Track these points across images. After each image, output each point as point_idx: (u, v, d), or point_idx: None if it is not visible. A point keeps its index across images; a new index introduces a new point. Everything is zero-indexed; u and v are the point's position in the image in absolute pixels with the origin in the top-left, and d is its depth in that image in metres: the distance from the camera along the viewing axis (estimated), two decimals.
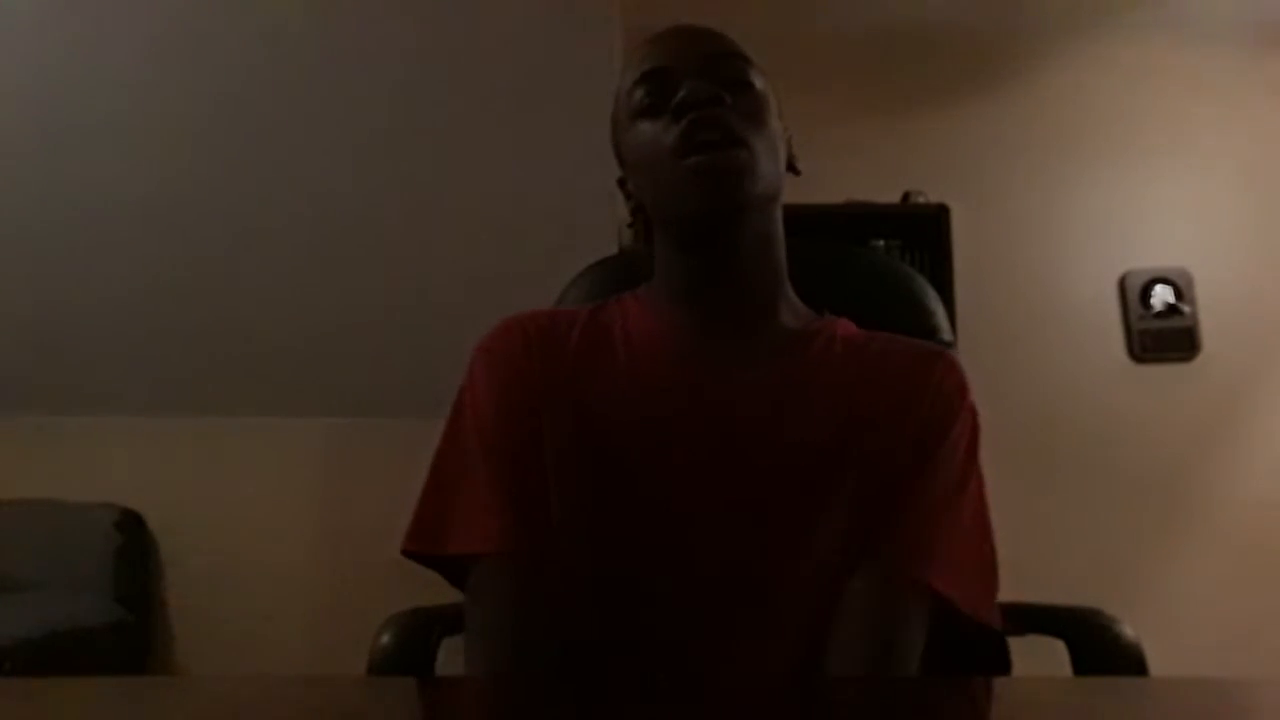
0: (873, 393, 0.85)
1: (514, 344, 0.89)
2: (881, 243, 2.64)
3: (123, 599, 2.70)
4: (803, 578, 0.80)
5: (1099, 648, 0.95)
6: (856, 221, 2.62)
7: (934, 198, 2.65)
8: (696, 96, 0.82)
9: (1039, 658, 0.97)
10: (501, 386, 0.87)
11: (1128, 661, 0.91)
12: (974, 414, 0.87)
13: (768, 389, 0.85)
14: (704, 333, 0.88)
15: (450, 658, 0.93)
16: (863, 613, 0.78)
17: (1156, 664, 0.91)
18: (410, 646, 0.94)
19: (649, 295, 0.93)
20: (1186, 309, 2.85)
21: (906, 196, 2.71)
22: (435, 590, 0.92)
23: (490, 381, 0.88)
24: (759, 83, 0.88)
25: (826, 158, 2.86)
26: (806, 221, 2.41)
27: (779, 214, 0.90)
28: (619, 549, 0.83)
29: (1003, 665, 0.92)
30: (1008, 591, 0.91)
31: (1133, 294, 2.87)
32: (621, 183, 0.95)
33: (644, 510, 0.83)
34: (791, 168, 0.93)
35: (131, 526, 2.82)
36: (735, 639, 0.80)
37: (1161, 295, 2.86)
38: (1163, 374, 2.85)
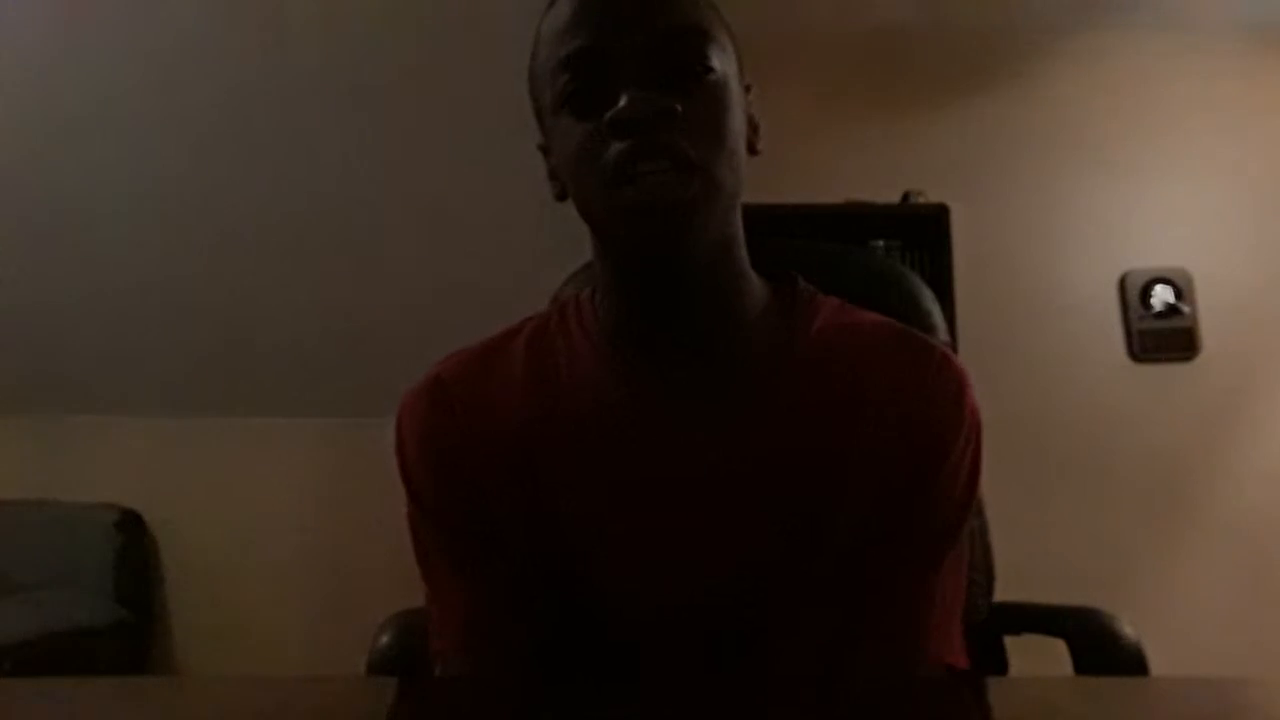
0: (860, 411, 0.74)
1: (443, 409, 0.79)
2: (881, 243, 2.63)
3: (123, 599, 2.71)
4: (791, 635, 0.74)
5: (1099, 647, 0.95)
6: (856, 221, 2.61)
7: (934, 198, 2.65)
8: (639, 113, 0.65)
9: (1039, 658, 0.97)
10: (437, 460, 0.78)
11: (1128, 661, 0.91)
12: (976, 422, 0.76)
13: (739, 433, 0.74)
14: (659, 367, 0.76)
15: None
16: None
17: (1156, 664, 0.91)
18: (410, 646, 0.94)
19: (591, 316, 0.80)
20: (1186, 309, 2.85)
21: (906, 196, 2.71)
22: None
23: (424, 457, 0.78)
24: (719, 62, 0.71)
25: (826, 158, 2.87)
26: (806, 221, 2.43)
27: (737, 213, 0.76)
28: (580, 620, 0.76)
29: (1000, 667, 0.92)
30: (1008, 591, 0.91)
31: (1133, 294, 2.87)
32: (544, 151, 0.79)
33: (603, 569, 0.75)
34: (752, 149, 0.75)
35: (131, 526, 2.83)
36: (716, 685, 0.74)
37: (1161, 295, 2.85)
38: (1163, 374, 2.85)
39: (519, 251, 2.53)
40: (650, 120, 0.66)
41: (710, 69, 0.70)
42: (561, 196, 0.77)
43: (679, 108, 0.67)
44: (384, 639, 0.95)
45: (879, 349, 0.77)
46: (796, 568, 0.74)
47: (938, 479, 0.73)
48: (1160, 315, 2.85)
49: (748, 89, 0.77)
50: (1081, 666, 0.94)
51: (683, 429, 0.75)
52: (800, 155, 2.73)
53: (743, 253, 0.78)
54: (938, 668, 0.73)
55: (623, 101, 0.66)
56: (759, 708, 0.60)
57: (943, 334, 1.09)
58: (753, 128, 0.76)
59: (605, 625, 0.76)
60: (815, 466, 0.73)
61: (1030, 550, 2.43)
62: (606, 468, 0.75)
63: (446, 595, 0.78)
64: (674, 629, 0.75)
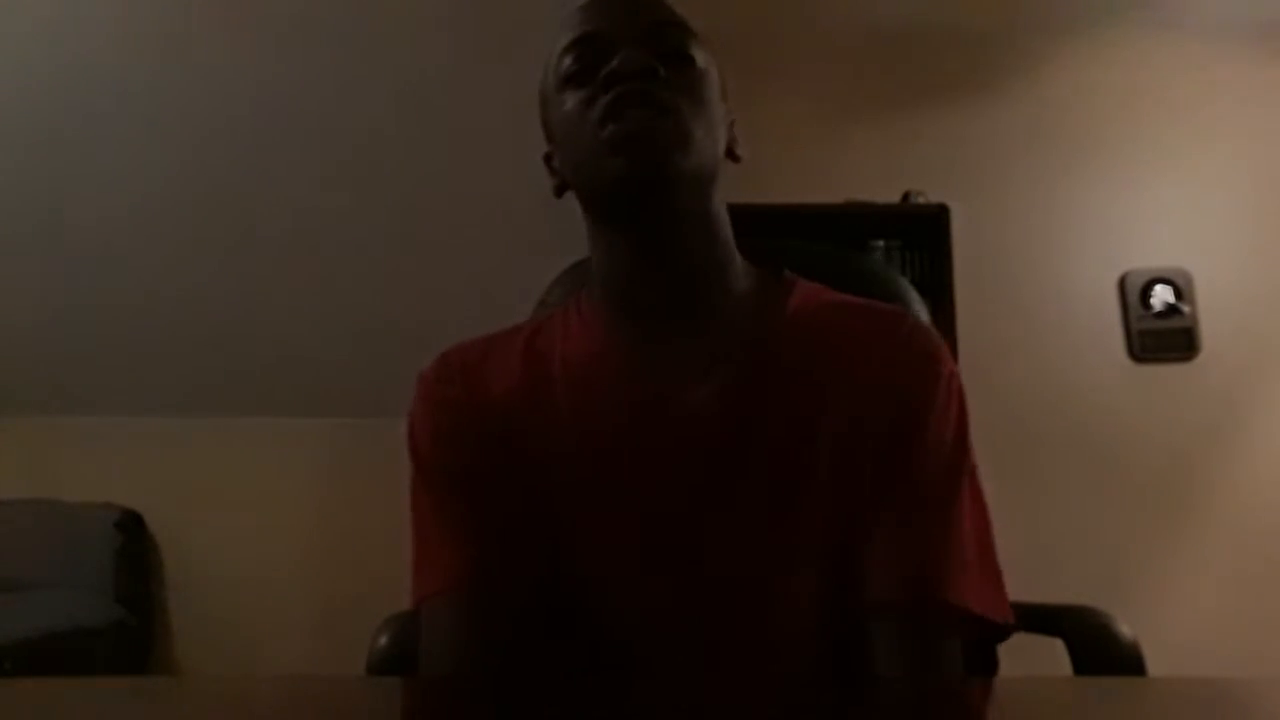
0: (836, 381, 0.78)
1: (447, 381, 0.85)
2: (881, 243, 2.63)
3: (123, 599, 2.71)
4: (785, 596, 0.76)
5: (1098, 647, 0.95)
6: (856, 221, 2.62)
7: (934, 198, 2.65)
8: (627, 67, 0.75)
9: (1039, 658, 0.97)
10: (438, 424, 0.83)
11: (1126, 661, 0.92)
12: (956, 382, 0.79)
13: (720, 406, 0.78)
14: (646, 342, 0.81)
15: None
16: (900, 655, 0.73)
17: (1156, 664, 0.91)
18: (410, 647, 0.94)
19: (588, 304, 0.87)
20: (1186, 309, 2.85)
21: (906, 196, 2.71)
22: None
23: (427, 422, 0.84)
24: (700, 58, 0.80)
25: (826, 158, 2.88)
26: (806, 221, 2.43)
27: (716, 195, 0.82)
28: (570, 586, 0.78)
29: (991, 664, 0.92)
30: (1007, 590, 0.91)
31: (1133, 294, 2.87)
32: (548, 158, 0.87)
33: (594, 547, 0.78)
34: (731, 154, 0.84)
35: (131, 526, 2.83)
36: (714, 670, 0.76)
37: (1161, 295, 2.86)
38: (1163, 374, 2.85)
39: (519, 254, 2.53)
40: (638, 74, 0.75)
41: (693, 59, 0.80)
42: (560, 190, 0.84)
43: (663, 71, 0.76)
44: (384, 639, 0.95)
45: (853, 318, 0.83)
46: (781, 529, 0.76)
47: (925, 432, 0.76)
48: (1160, 315, 2.85)
49: (731, 123, 0.86)
50: (1080, 666, 0.94)
51: (669, 394, 0.79)
52: (800, 155, 2.73)
53: (727, 236, 0.83)
54: (952, 612, 0.73)
55: (614, 61, 0.76)
56: (755, 706, 0.60)
57: None
58: (732, 137, 0.85)
59: (588, 593, 0.78)
60: (799, 431, 0.77)
61: (1029, 549, 2.43)
62: (593, 431, 0.79)
63: (436, 549, 0.80)
64: (657, 593, 0.76)
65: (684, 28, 0.81)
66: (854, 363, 0.79)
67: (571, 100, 0.79)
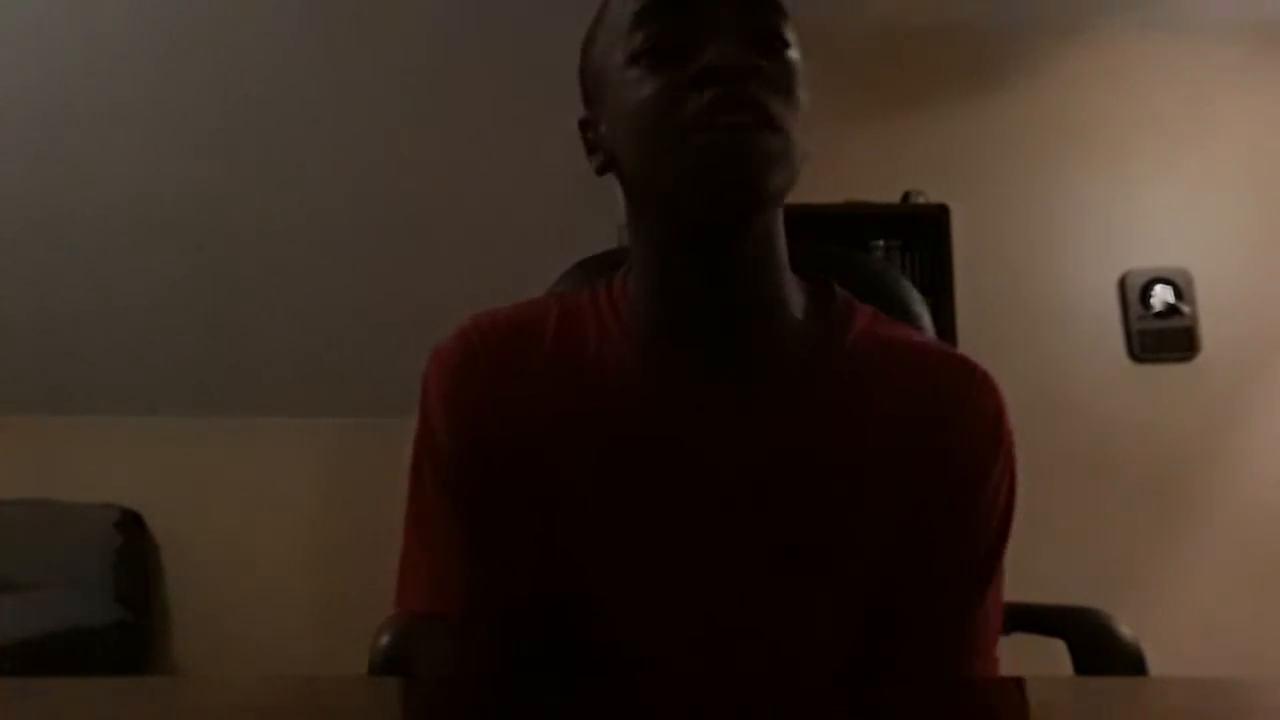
0: (892, 438, 0.70)
1: (469, 370, 0.76)
2: (881, 243, 2.64)
3: (123, 599, 2.71)
4: (798, 651, 0.71)
5: (1099, 647, 0.95)
6: (856, 221, 2.62)
7: (934, 198, 2.65)
8: (727, 64, 0.63)
9: (1039, 658, 0.97)
10: (460, 421, 0.75)
11: (1127, 661, 0.92)
12: (1012, 446, 0.72)
13: (760, 456, 0.70)
14: (689, 378, 0.72)
15: None
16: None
17: (1156, 664, 0.91)
18: (410, 646, 0.94)
19: (628, 305, 0.76)
20: (1186, 309, 2.85)
21: (906, 196, 2.71)
22: None
23: (447, 417, 0.75)
24: (795, 43, 0.70)
25: (826, 158, 2.86)
26: (806, 221, 2.43)
27: (781, 209, 0.74)
28: (579, 615, 0.72)
29: None
30: (1008, 591, 0.90)
31: (1133, 294, 2.87)
32: (584, 125, 0.76)
33: (612, 572, 0.71)
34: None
35: (131, 526, 2.83)
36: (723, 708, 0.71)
37: (1161, 295, 2.86)
38: (1162, 374, 2.85)
39: (521, 253, 2.53)
40: (739, 72, 0.64)
41: (788, 44, 0.69)
42: (604, 169, 0.74)
43: (764, 65, 0.65)
44: (384, 639, 0.95)
45: (916, 365, 0.73)
46: (811, 587, 0.70)
47: (975, 505, 0.71)
48: (1160, 315, 2.85)
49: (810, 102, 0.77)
50: (1081, 666, 0.94)
51: (707, 434, 0.72)
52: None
53: (784, 252, 0.74)
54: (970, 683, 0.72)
55: (711, 53, 0.64)
56: (752, 711, 0.60)
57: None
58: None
59: (594, 625, 0.73)
60: (842, 491, 0.70)
61: (1030, 550, 2.43)
62: (620, 454, 0.72)
63: (442, 559, 0.75)
64: (665, 631, 0.72)
65: (779, 7, 0.70)
66: (915, 420, 0.70)
67: (648, 85, 0.66)
